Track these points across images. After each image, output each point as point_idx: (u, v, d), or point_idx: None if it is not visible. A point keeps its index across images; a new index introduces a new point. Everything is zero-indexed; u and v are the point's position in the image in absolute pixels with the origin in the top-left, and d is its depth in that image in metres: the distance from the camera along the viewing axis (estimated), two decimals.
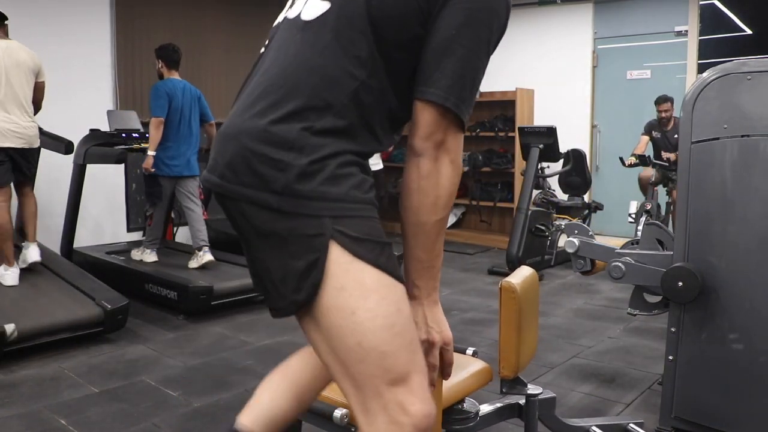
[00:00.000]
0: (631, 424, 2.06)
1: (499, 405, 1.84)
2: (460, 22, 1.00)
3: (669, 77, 6.47)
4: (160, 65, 4.32)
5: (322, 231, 0.95)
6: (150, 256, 4.45)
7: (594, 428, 1.92)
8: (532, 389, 1.80)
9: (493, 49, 1.07)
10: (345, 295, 0.96)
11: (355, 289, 0.96)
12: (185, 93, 4.28)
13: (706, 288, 2.03)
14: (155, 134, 4.14)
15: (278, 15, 1.19)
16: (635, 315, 2.44)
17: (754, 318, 1.96)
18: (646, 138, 6.03)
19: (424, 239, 1.04)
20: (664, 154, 5.77)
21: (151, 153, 4.17)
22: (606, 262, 2.33)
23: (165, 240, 4.82)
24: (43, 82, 3.79)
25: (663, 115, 5.76)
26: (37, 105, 3.81)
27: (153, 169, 4.21)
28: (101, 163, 4.52)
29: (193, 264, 4.33)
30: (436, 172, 1.01)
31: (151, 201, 4.50)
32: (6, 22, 3.71)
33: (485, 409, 1.82)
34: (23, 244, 3.80)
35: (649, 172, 5.83)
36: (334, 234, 0.95)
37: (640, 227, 5.25)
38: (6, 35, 3.69)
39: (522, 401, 1.82)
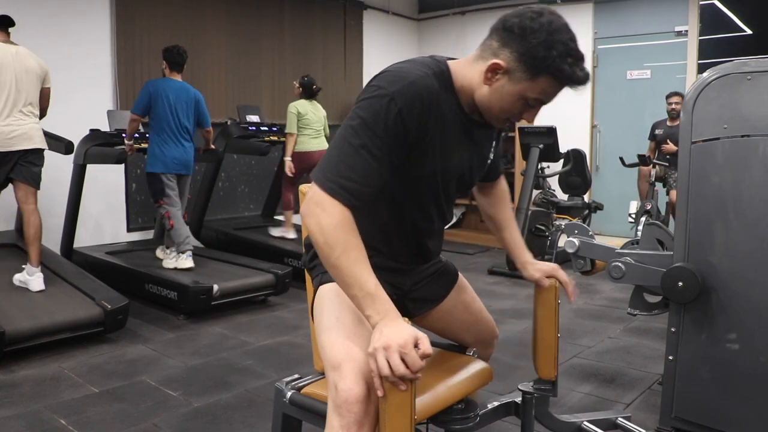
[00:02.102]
0: (620, 418, 2.07)
1: (496, 404, 1.84)
2: (346, 117, 1.33)
3: (669, 77, 6.47)
4: (163, 65, 4.36)
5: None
6: (185, 262, 4.20)
7: (585, 423, 1.92)
8: (525, 386, 1.81)
9: (396, 143, 1.32)
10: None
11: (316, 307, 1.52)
12: (179, 94, 4.28)
13: (706, 288, 2.03)
14: (128, 129, 4.31)
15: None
16: (635, 315, 2.44)
17: (754, 318, 1.96)
18: (652, 145, 6.07)
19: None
20: (665, 147, 5.78)
21: (126, 142, 4.34)
22: (606, 262, 2.32)
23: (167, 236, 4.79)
24: (48, 89, 3.79)
25: (673, 107, 5.77)
26: (42, 112, 3.81)
27: (132, 152, 4.39)
28: (101, 163, 4.52)
29: (170, 264, 4.25)
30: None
31: (154, 198, 4.47)
32: (11, 28, 3.71)
33: (484, 409, 1.82)
34: (24, 267, 3.63)
35: (649, 169, 5.84)
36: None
37: (640, 227, 5.25)
38: (9, 39, 3.69)
39: (518, 399, 1.82)
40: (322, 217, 1.25)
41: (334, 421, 1.23)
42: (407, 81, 1.31)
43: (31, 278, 3.56)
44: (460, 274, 1.79)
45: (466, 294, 1.77)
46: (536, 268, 1.73)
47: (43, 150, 3.72)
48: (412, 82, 1.32)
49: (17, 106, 3.55)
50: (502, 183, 1.86)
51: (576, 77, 1.31)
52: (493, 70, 1.35)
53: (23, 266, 3.64)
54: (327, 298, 1.44)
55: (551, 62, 1.28)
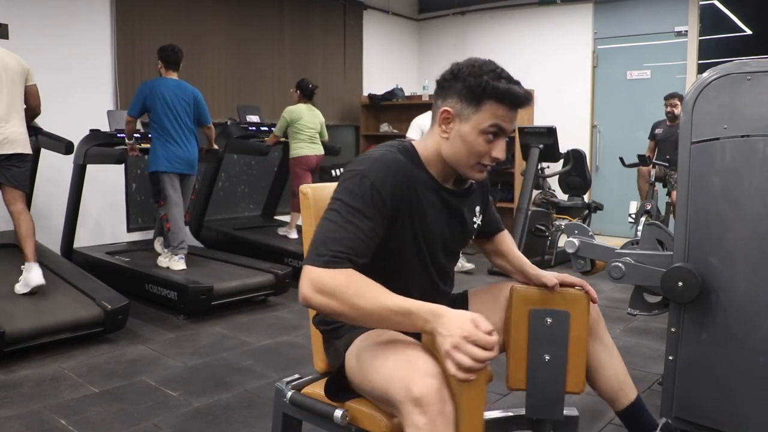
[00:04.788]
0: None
1: (510, 414, 1.81)
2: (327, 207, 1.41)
3: (669, 77, 6.47)
4: (159, 65, 4.35)
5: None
6: (178, 264, 4.24)
7: None
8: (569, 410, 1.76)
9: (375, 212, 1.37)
10: None
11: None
12: (176, 92, 4.26)
13: (706, 288, 2.02)
14: (126, 130, 4.32)
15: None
16: (635, 315, 2.44)
17: (754, 318, 1.96)
18: (651, 144, 6.07)
19: None
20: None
21: (127, 141, 4.33)
22: (606, 262, 2.32)
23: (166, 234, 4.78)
24: (34, 86, 3.68)
25: (669, 109, 5.77)
26: (35, 110, 3.74)
27: (134, 155, 4.40)
28: (101, 163, 4.51)
29: (164, 262, 4.27)
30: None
31: (155, 199, 4.47)
32: None
33: (492, 415, 1.80)
34: (23, 267, 3.58)
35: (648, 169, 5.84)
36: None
37: (640, 227, 5.25)
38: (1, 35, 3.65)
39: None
40: (326, 287, 1.27)
41: (418, 420, 1.22)
42: (373, 158, 1.42)
43: (30, 274, 3.49)
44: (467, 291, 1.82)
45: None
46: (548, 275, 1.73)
47: (27, 154, 3.63)
48: (378, 158, 1.42)
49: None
50: (507, 237, 1.89)
51: (515, 92, 1.40)
52: (445, 121, 1.45)
53: (22, 267, 3.61)
54: (359, 344, 1.45)
55: (486, 85, 1.38)
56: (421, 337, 1.44)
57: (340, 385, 1.49)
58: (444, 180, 1.53)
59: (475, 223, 1.67)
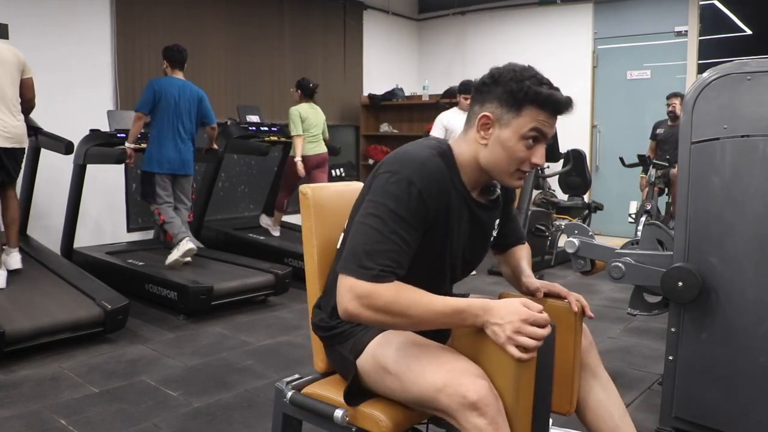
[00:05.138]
0: None
1: None
2: (363, 208, 1.37)
3: (669, 77, 6.47)
4: (165, 65, 4.36)
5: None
6: (186, 245, 4.14)
7: None
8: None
9: (416, 219, 1.34)
10: None
11: None
12: (182, 92, 4.28)
13: (706, 288, 2.02)
14: (133, 128, 4.24)
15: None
16: (635, 315, 2.44)
17: (754, 318, 1.96)
18: (653, 144, 6.07)
19: None
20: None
21: (127, 145, 4.23)
22: (606, 262, 2.32)
23: (166, 241, 4.79)
24: (30, 79, 3.70)
25: (671, 108, 5.77)
26: (29, 103, 3.75)
27: (131, 163, 4.32)
28: (101, 163, 4.51)
29: (175, 254, 4.18)
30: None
31: (143, 197, 4.47)
32: None
33: None
34: (4, 247, 3.71)
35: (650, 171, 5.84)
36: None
37: (640, 227, 5.25)
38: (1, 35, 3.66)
39: None
40: (377, 302, 1.27)
41: (479, 422, 1.23)
42: (418, 162, 1.36)
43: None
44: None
45: None
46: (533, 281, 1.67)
47: (23, 149, 3.72)
48: (423, 164, 1.36)
49: None
50: (520, 251, 1.78)
51: (557, 98, 1.38)
52: (484, 127, 1.41)
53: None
54: (380, 353, 1.41)
55: (527, 90, 1.36)
56: (450, 338, 1.46)
57: (358, 391, 1.48)
58: (473, 189, 1.50)
59: (494, 233, 1.65)
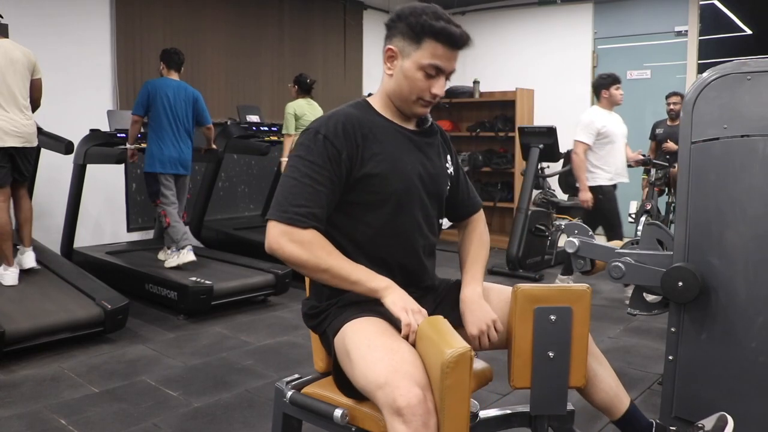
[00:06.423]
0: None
1: (508, 411, 1.80)
2: None
3: (669, 77, 6.47)
4: (161, 66, 4.41)
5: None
6: (187, 256, 4.19)
7: None
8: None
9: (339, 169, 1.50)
10: None
11: None
12: (177, 93, 4.31)
13: (706, 288, 2.02)
14: (131, 131, 4.35)
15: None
16: (635, 315, 2.44)
17: (754, 317, 1.96)
18: (653, 144, 6.07)
19: None
20: (666, 146, 5.77)
21: (128, 146, 4.36)
22: (606, 262, 2.32)
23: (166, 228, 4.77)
24: (39, 80, 3.74)
25: (672, 107, 5.77)
26: (35, 103, 3.77)
27: (135, 160, 4.45)
28: (101, 163, 4.52)
29: (172, 262, 4.22)
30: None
31: (151, 198, 4.49)
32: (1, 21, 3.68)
33: (490, 413, 1.80)
34: (18, 248, 3.76)
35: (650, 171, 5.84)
36: None
37: (640, 227, 5.25)
38: (2, 34, 3.66)
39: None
40: (293, 240, 1.44)
41: (400, 429, 1.24)
42: (325, 117, 1.55)
43: (6, 273, 3.63)
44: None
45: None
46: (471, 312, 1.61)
47: (37, 148, 3.78)
48: (329, 116, 1.55)
49: (7, 102, 3.50)
50: (481, 225, 1.83)
51: (450, 31, 1.49)
52: (390, 59, 1.56)
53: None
54: (349, 337, 1.45)
55: (424, 23, 1.49)
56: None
57: (346, 378, 1.49)
58: (403, 122, 1.63)
59: (447, 168, 1.73)
